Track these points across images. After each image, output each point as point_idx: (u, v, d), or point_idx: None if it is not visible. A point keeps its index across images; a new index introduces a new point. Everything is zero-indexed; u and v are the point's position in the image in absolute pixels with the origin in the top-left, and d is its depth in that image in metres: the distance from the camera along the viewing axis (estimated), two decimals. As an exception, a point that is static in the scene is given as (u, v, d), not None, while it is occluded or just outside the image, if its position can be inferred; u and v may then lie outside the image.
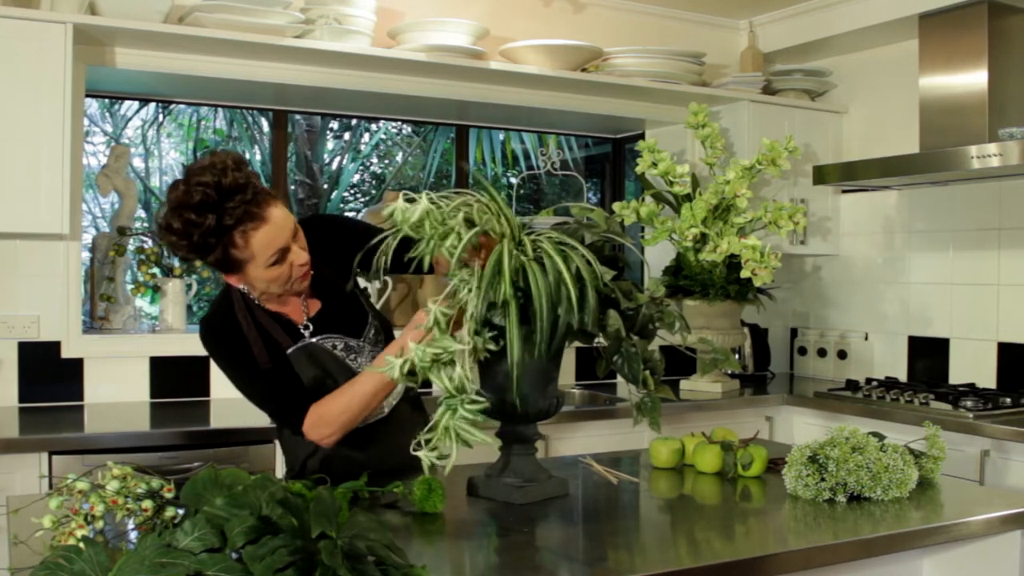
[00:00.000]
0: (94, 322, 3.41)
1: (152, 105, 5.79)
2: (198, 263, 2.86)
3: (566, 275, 1.69)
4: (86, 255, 3.47)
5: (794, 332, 4.54)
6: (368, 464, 2.08)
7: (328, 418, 1.97)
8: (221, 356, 2.07)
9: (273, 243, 1.92)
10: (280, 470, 2.77)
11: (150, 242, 3.47)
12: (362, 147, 6.71)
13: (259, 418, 2.98)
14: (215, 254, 1.90)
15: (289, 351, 2.05)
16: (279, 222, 1.92)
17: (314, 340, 2.08)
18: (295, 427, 2.01)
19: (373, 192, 6.67)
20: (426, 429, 1.69)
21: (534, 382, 1.87)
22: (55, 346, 3.17)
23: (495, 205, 1.77)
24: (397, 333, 2.18)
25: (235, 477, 1.33)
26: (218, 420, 3.03)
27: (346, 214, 6.19)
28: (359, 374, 2.02)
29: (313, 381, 2.05)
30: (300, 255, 1.97)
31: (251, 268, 1.94)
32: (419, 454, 1.68)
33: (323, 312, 2.14)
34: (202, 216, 1.84)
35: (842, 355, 4.21)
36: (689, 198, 3.67)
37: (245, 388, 2.07)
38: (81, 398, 3.22)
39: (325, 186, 6.47)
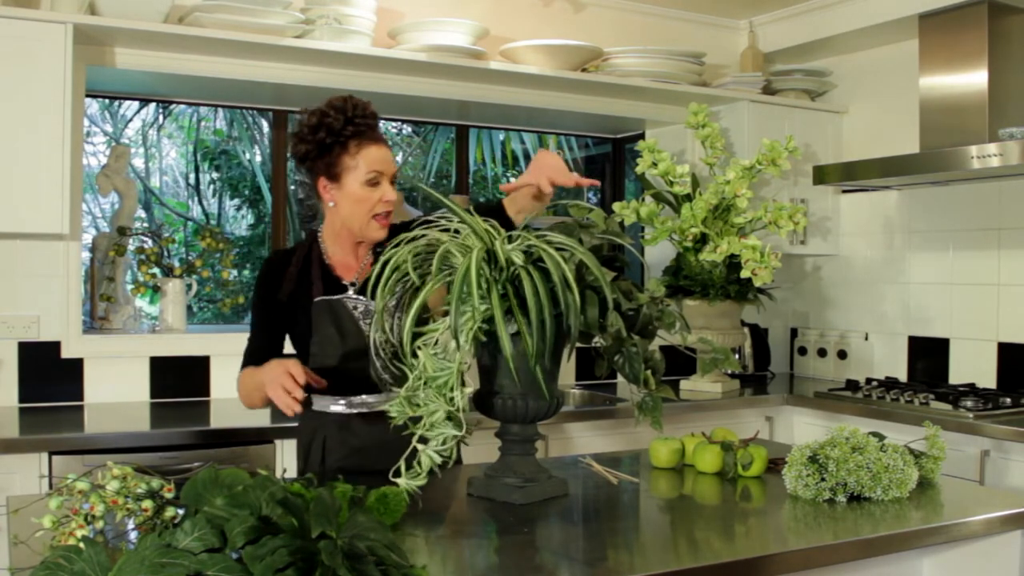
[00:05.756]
0: (94, 322, 3.41)
1: (152, 105, 5.79)
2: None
3: (568, 274, 1.72)
4: (86, 255, 3.47)
5: (794, 332, 4.54)
6: (374, 461, 2.10)
7: (240, 382, 2.21)
8: (255, 283, 2.30)
9: (377, 163, 2.18)
10: (280, 470, 2.77)
11: (150, 242, 3.47)
12: (362, 147, 6.69)
13: (259, 418, 3.00)
14: (329, 156, 2.17)
15: (316, 299, 2.21)
16: (386, 154, 2.22)
17: (338, 297, 2.22)
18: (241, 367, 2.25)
19: (373, 192, 6.66)
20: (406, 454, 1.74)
21: (533, 382, 1.87)
22: (55, 346, 3.17)
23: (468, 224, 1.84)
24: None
25: (235, 477, 1.33)
26: (218, 420, 3.03)
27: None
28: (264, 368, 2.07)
29: (326, 334, 2.19)
30: (390, 192, 2.19)
31: (350, 179, 2.18)
32: (399, 481, 1.75)
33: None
34: (335, 116, 2.15)
35: (842, 355, 4.21)
36: (689, 198, 3.67)
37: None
38: (81, 398, 3.22)
39: (325, 186, 6.45)
